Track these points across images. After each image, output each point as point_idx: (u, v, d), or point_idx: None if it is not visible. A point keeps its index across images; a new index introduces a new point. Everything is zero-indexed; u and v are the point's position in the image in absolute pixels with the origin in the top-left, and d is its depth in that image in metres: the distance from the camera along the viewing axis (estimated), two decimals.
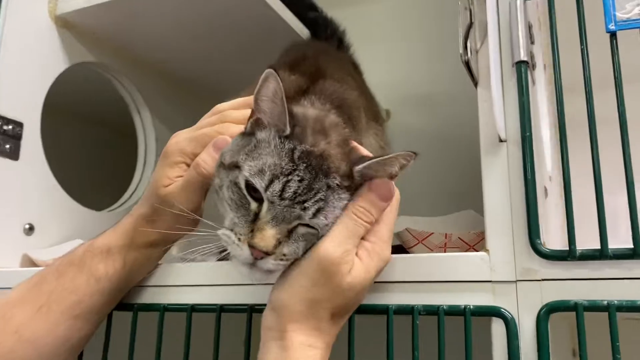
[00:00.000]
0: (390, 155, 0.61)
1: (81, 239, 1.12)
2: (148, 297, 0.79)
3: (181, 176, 0.70)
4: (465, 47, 0.65)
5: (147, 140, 1.44)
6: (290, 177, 0.59)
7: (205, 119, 0.76)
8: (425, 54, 1.51)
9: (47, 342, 0.71)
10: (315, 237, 0.61)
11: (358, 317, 0.66)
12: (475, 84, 0.68)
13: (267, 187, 0.59)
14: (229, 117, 0.74)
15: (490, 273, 0.63)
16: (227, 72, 1.38)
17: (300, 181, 0.59)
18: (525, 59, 0.65)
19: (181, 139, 0.72)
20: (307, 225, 0.60)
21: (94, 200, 1.29)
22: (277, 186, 0.58)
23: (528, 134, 0.63)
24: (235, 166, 0.62)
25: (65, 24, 1.19)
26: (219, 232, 0.62)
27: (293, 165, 0.59)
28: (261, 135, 0.63)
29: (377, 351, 0.68)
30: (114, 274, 0.73)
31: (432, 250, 0.75)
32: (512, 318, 0.60)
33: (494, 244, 0.63)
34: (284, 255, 0.59)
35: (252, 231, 0.59)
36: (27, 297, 0.72)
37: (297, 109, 0.66)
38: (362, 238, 0.62)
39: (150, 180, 0.74)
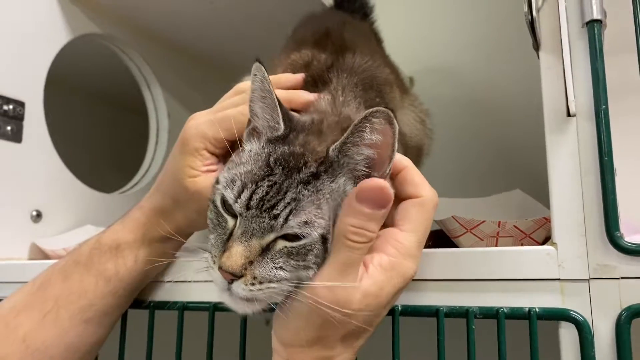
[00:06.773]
0: (354, 124, 0.50)
1: (92, 224, 1.07)
2: (165, 294, 0.72)
3: (207, 165, 0.63)
4: (530, 5, 0.54)
5: (158, 117, 1.37)
6: (260, 184, 0.51)
7: (227, 99, 0.67)
8: (450, 19, 1.40)
9: (58, 350, 0.64)
10: (306, 251, 0.51)
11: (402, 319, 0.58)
12: (537, 48, 0.58)
13: (236, 198, 0.52)
14: None
15: (559, 270, 0.54)
16: (245, 42, 1.29)
17: (271, 186, 0.51)
18: (599, 17, 0.55)
19: (201, 121, 0.63)
20: (287, 238, 0.51)
21: (104, 182, 1.23)
22: (245, 194, 0.51)
23: (604, 107, 0.54)
24: (217, 182, 0.56)
25: None
26: (205, 255, 0.56)
27: (268, 170, 0.52)
28: (249, 146, 0.57)
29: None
30: (125, 273, 0.66)
31: (482, 240, 0.66)
32: (585, 322, 0.53)
33: (563, 236, 0.55)
34: (255, 278, 0.50)
35: (224, 251, 0.51)
36: (32, 302, 0.65)
37: (302, 116, 0.59)
38: (378, 249, 0.52)
39: (166, 168, 0.65)
